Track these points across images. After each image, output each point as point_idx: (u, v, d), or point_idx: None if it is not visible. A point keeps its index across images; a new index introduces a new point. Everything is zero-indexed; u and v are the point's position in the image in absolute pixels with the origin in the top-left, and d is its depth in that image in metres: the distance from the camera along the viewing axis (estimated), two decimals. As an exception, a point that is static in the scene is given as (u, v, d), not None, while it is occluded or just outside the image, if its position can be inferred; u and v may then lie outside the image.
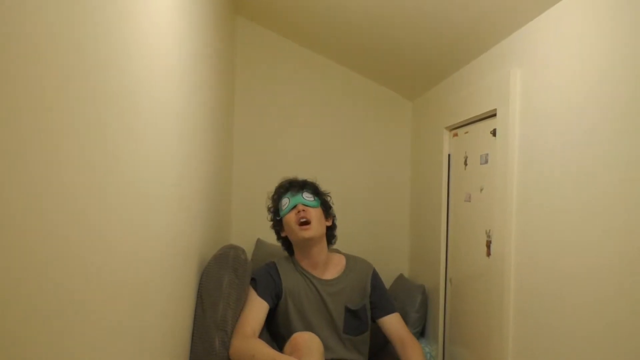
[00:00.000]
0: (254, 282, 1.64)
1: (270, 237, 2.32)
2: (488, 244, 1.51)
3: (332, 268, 1.76)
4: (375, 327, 1.81)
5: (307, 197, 1.71)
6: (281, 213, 1.72)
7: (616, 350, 0.90)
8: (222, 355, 1.41)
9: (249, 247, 2.28)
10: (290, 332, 1.57)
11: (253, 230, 2.38)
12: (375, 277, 1.81)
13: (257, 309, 1.56)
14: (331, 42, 2.28)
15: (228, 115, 2.24)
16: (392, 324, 1.74)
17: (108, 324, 0.70)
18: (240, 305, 1.53)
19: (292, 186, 1.75)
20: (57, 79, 0.53)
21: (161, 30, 0.97)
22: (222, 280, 1.49)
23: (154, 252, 0.95)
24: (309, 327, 1.65)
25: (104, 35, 0.66)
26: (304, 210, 1.67)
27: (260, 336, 1.55)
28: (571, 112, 1.06)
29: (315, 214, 1.68)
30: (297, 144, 2.50)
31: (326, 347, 1.60)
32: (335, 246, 1.96)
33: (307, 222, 1.66)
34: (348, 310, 1.70)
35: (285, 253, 1.82)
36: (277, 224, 1.76)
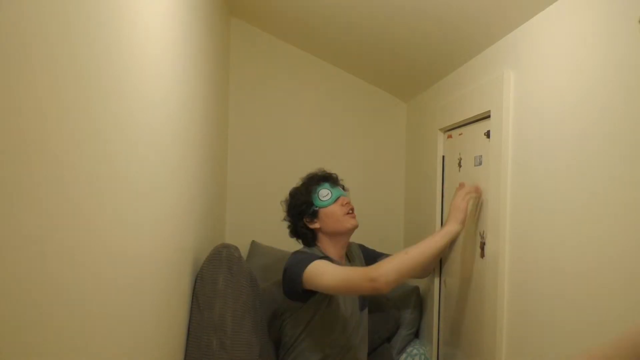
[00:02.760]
0: (327, 258, 1.60)
1: (266, 239, 2.33)
2: (482, 245, 1.52)
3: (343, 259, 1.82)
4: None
5: (343, 191, 1.79)
6: (320, 203, 1.72)
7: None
8: (220, 356, 1.38)
9: (243, 250, 2.27)
10: (330, 323, 1.62)
11: (248, 232, 2.38)
12: (363, 248, 1.94)
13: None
14: (326, 43, 2.28)
15: (222, 116, 2.23)
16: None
17: (101, 322, 0.70)
18: (240, 304, 1.48)
19: (329, 178, 1.79)
20: (50, 81, 0.53)
21: (155, 32, 0.97)
22: (217, 280, 1.47)
23: (147, 252, 0.95)
24: (346, 313, 1.66)
25: (97, 38, 0.66)
26: (349, 202, 1.75)
27: (264, 345, 1.55)
28: (565, 114, 1.07)
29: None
30: (292, 146, 2.50)
31: (354, 328, 1.68)
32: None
33: (353, 211, 1.74)
34: None
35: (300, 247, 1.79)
36: (309, 215, 1.72)
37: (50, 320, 0.55)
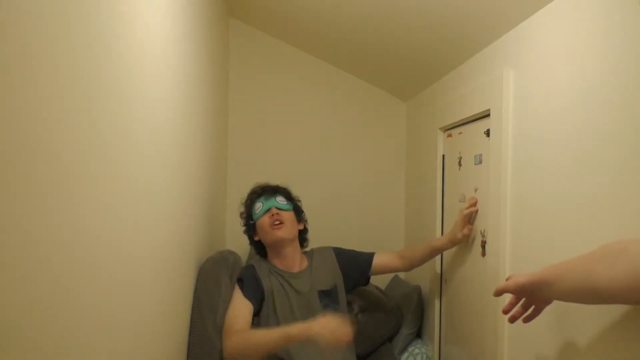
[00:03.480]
0: (240, 282, 1.66)
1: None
2: (483, 244, 1.52)
3: (302, 265, 1.82)
4: (366, 327, 1.81)
5: (281, 201, 1.79)
6: (255, 217, 1.78)
7: (613, 350, 0.90)
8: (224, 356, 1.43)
9: (243, 251, 2.27)
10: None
11: (248, 233, 2.37)
12: (338, 252, 1.89)
13: (243, 309, 1.58)
14: (326, 44, 2.29)
15: (222, 118, 2.23)
16: (382, 258, 1.87)
17: (102, 321, 0.70)
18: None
19: (265, 191, 1.82)
20: (51, 81, 0.53)
21: (154, 33, 0.97)
22: (220, 282, 1.51)
23: (147, 252, 0.95)
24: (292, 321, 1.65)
25: (98, 38, 0.66)
26: (277, 213, 1.75)
27: None
28: (565, 112, 1.07)
29: (288, 217, 1.77)
30: (292, 147, 2.50)
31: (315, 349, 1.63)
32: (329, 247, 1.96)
33: (280, 223, 1.73)
34: (321, 293, 1.74)
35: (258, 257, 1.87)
36: (251, 228, 1.81)
37: (52, 319, 0.55)
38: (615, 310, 0.89)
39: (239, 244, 2.29)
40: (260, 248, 1.83)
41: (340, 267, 1.84)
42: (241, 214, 1.86)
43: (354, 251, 1.91)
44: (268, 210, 1.75)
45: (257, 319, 1.67)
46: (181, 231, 1.29)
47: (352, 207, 2.53)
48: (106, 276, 0.71)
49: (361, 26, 1.86)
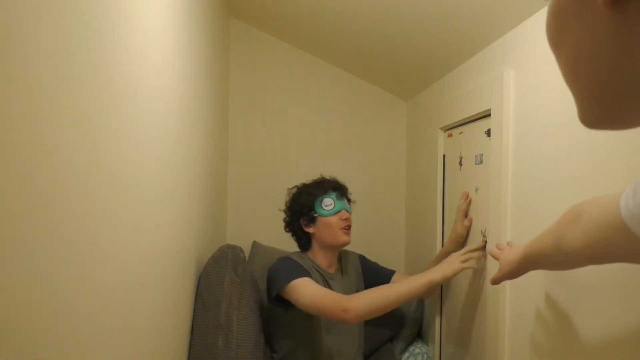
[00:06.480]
0: (293, 272, 1.59)
1: (266, 240, 2.33)
2: (483, 244, 1.52)
3: (334, 266, 1.83)
4: (368, 330, 1.82)
5: (347, 204, 1.80)
6: (321, 211, 1.73)
7: (613, 350, 0.90)
8: (226, 354, 1.41)
9: (244, 250, 2.27)
10: (308, 328, 1.64)
11: (249, 232, 2.38)
12: (363, 260, 1.93)
13: (319, 285, 1.56)
14: (326, 43, 2.28)
15: (223, 116, 2.23)
16: (401, 276, 1.86)
17: (100, 324, 0.70)
18: (243, 304, 1.51)
19: (337, 189, 1.79)
20: (48, 81, 0.53)
21: (155, 33, 0.97)
22: (222, 279, 1.50)
23: (148, 253, 0.95)
24: (327, 322, 1.68)
25: (97, 38, 0.66)
26: (348, 218, 1.75)
27: (258, 341, 1.56)
28: (565, 112, 1.07)
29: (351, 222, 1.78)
30: (293, 146, 2.50)
31: (340, 339, 1.68)
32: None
33: (349, 228, 1.75)
34: None
35: (293, 250, 1.84)
36: (309, 219, 1.75)
37: (50, 322, 0.55)
38: (616, 311, 0.89)
39: (240, 242, 2.28)
40: (305, 240, 1.78)
41: (363, 274, 1.88)
42: (292, 199, 1.80)
43: (376, 264, 1.95)
44: (339, 211, 1.73)
45: (295, 309, 1.59)
46: (184, 232, 1.30)
47: (351, 206, 2.53)
48: (105, 278, 0.71)
49: (362, 26, 1.86)
